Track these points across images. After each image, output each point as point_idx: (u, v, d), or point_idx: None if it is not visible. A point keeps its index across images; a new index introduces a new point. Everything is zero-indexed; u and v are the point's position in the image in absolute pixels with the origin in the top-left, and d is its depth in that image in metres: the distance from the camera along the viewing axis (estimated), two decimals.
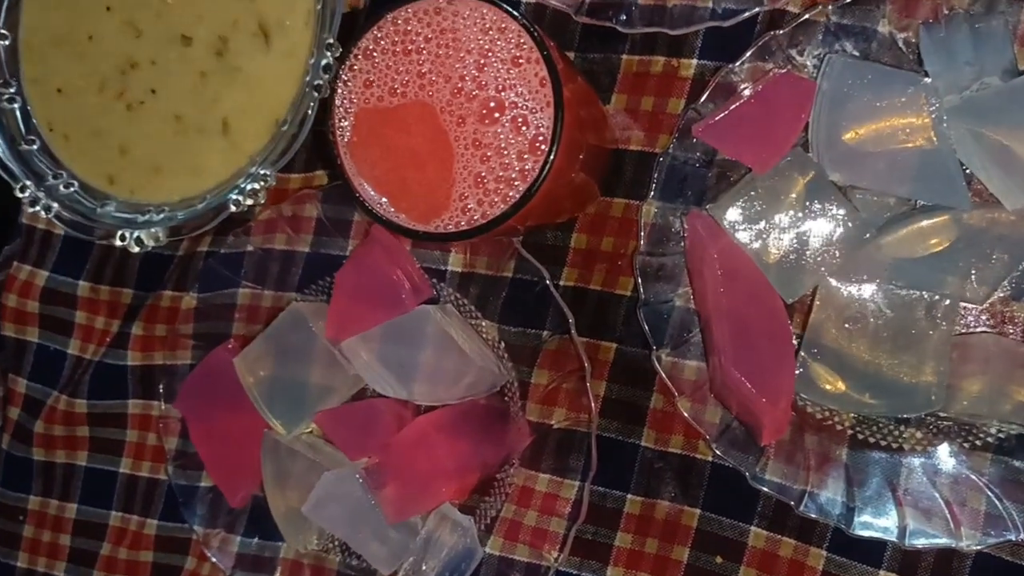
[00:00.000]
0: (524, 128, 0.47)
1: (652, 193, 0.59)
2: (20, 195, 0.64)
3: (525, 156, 0.47)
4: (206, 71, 0.63)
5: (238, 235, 0.67)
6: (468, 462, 0.63)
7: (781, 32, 0.57)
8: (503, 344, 0.64)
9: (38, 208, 0.64)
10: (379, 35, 0.49)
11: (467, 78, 0.47)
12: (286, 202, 0.66)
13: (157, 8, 0.64)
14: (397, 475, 0.63)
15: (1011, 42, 0.53)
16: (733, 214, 0.56)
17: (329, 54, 0.57)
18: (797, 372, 0.56)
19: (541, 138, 0.46)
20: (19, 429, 0.75)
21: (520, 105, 0.47)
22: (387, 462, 0.63)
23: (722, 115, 0.56)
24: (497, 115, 0.47)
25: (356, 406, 0.65)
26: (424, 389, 0.63)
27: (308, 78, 0.59)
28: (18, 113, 0.66)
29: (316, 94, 0.57)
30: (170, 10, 0.63)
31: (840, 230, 0.55)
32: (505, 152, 0.47)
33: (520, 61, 0.47)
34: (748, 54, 0.57)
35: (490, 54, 0.47)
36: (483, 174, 0.47)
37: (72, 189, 0.65)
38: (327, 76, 0.57)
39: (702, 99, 0.58)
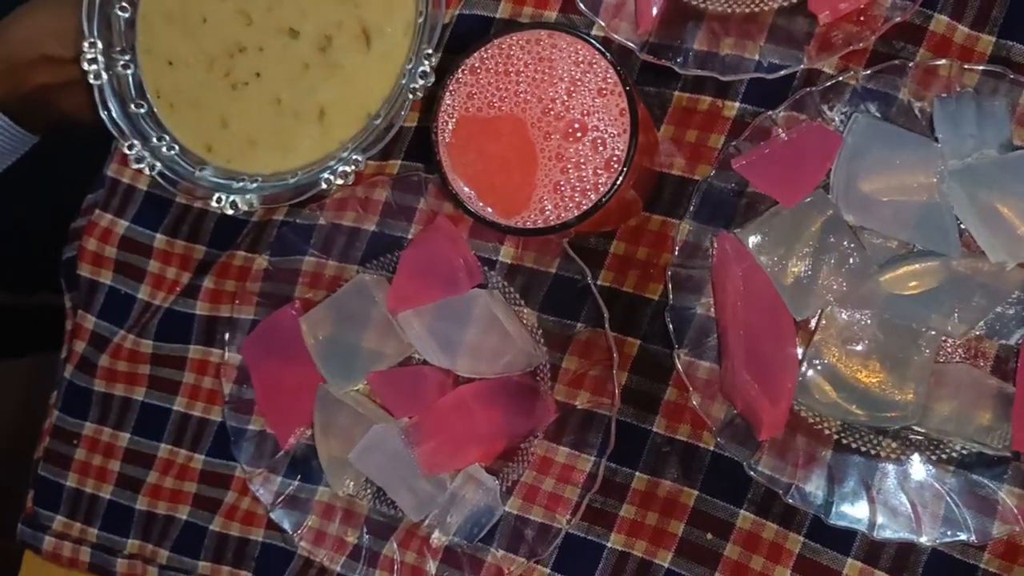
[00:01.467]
0: (602, 148, 0.56)
1: (689, 213, 0.68)
2: (127, 152, 0.72)
3: (600, 172, 0.56)
4: (309, 63, 0.71)
5: (312, 209, 0.76)
6: (498, 430, 0.71)
7: (815, 89, 0.66)
8: (541, 331, 0.72)
9: (143, 165, 0.72)
10: (485, 55, 0.57)
11: (557, 101, 0.56)
12: (360, 184, 0.75)
13: (269, 2, 0.72)
14: (434, 435, 0.71)
15: (1009, 121, 0.63)
16: (757, 239, 0.65)
17: (427, 62, 0.66)
18: (798, 380, 0.65)
19: (615, 159, 0.55)
20: (84, 362, 0.83)
21: (601, 129, 0.56)
22: (426, 423, 0.71)
23: (759, 154, 0.65)
24: (580, 135, 0.56)
25: (404, 371, 0.73)
26: (466, 362, 0.71)
27: (404, 81, 0.67)
28: (131, 79, 0.74)
29: (411, 96, 0.66)
30: (280, 5, 0.72)
31: (848, 263, 0.64)
32: (583, 167, 0.56)
33: (604, 92, 0.56)
34: (785, 104, 0.66)
35: (579, 83, 0.56)
36: (561, 183, 0.56)
37: (173, 152, 0.73)
38: (423, 82, 0.66)
39: (742, 137, 0.67)
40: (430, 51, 0.66)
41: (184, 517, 0.81)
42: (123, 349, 0.82)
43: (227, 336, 0.78)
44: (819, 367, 0.65)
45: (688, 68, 0.68)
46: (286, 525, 0.75)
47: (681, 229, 0.68)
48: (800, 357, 0.66)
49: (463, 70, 0.58)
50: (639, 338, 0.71)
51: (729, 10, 0.70)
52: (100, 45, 0.73)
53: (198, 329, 0.80)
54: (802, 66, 0.67)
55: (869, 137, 0.64)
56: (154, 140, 0.73)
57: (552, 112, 0.56)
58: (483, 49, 0.58)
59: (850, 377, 0.64)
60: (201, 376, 0.81)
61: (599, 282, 0.72)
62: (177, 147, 0.73)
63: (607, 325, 0.69)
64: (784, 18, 0.68)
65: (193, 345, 0.81)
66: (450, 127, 0.58)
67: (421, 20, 0.67)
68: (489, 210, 0.57)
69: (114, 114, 0.72)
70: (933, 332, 0.63)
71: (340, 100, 0.70)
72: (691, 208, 0.68)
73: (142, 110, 0.74)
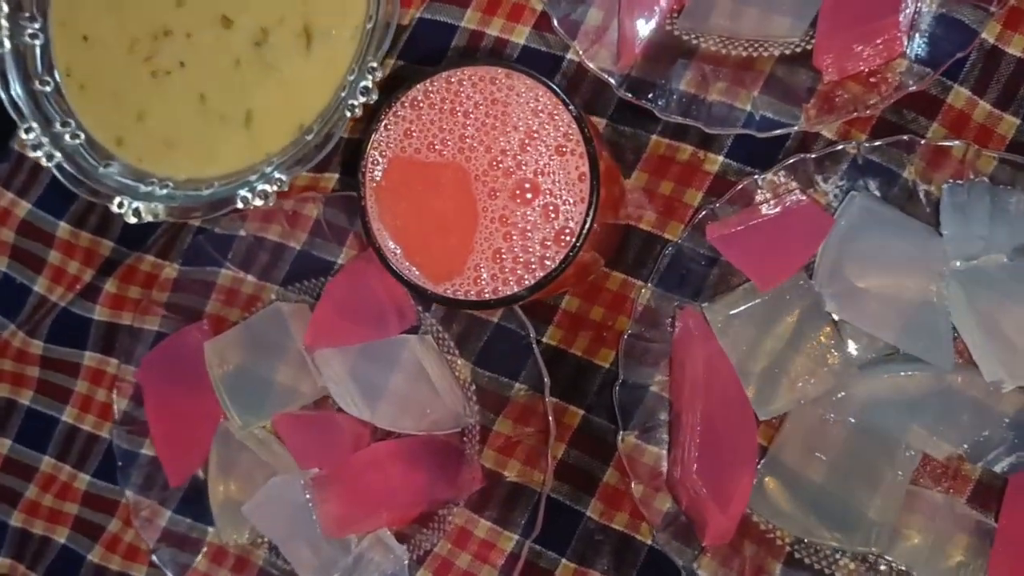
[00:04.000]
0: (554, 217, 0.47)
1: (653, 277, 0.60)
2: (24, 136, 0.63)
3: (548, 244, 0.47)
4: (241, 59, 0.62)
5: (233, 218, 0.67)
6: (416, 495, 0.63)
7: (810, 156, 0.58)
8: (474, 386, 0.64)
9: (40, 154, 0.63)
10: (430, 88, 0.49)
11: (508, 153, 0.48)
12: (289, 197, 0.66)
13: None
14: (343, 493, 0.63)
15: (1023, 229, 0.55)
16: (725, 320, 0.58)
17: (370, 76, 0.57)
18: (754, 484, 0.57)
19: (568, 231, 0.47)
20: None
21: (555, 194, 0.47)
22: (336, 478, 0.63)
23: (737, 225, 0.57)
24: (530, 196, 0.47)
25: (316, 416, 0.65)
26: (387, 414, 0.63)
27: (344, 94, 0.58)
28: (39, 51, 0.65)
29: (348, 113, 0.57)
30: None
31: (824, 361, 0.56)
32: (529, 235, 0.47)
33: (564, 151, 0.47)
34: (775, 169, 0.58)
35: (536, 136, 0.48)
36: (503, 251, 0.48)
37: (78, 141, 0.64)
38: (364, 99, 0.57)
39: (722, 199, 0.59)
40: (375, 64, 0.57)
41: (62, 540, 0.72)
42: (11, 347, 0.73)
43: (126, 348, 0.69)
44: (779, 472, 0.57)
45: (670, 113, 0.60)
46: (168, 569, 0.67)
47: (642, 294, 0.60)
48: (759, 458, 0.58)
49: (402, 102, 0.49)
50: (583, 408, 0.63)
51: (724, 51, 0.61)
52: (6, 8, 0.64)
53: (96, 335, 0.72)
54: (798, 127, 0.58)
55: (865, 220, 0.56)
56: (57, 125, 0.64)
57: (501, 166, 0.48)
58: (429, 80, 0.49)
59: (812, 486, 0.57)
60: (95, 387, 0.72)
61: (545, 339, 0.64)
62: (83, 136, 0.64)
63: (547, 392, 0.61)
64: (784, 68, 0.60)
65: (89, 352, 0.72)
66: (381, 167, 0.49)
67: (370, 26, 0.58)
68: (415, 271, 0.49)
69: (14, 90, 0.63)
70: (911, 452, 0.55)
71: (271, 107, 0.61)
72: (656, 272, 0.60)
73: (48, 88, 0.64)
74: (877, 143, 0.57)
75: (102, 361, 0.72)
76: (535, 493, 0.62)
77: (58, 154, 0.63)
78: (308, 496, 0.63)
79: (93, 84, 0.64)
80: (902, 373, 0.56)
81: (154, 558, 0.68)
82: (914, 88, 0.57)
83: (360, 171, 0.49)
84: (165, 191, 0.62)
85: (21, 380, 0.73)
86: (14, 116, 0.63)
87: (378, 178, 0.50)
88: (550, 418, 0.61)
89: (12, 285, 0.74)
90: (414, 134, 0.49)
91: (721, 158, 0.62)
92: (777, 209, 0.58)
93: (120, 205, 0.61)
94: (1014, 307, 0.54)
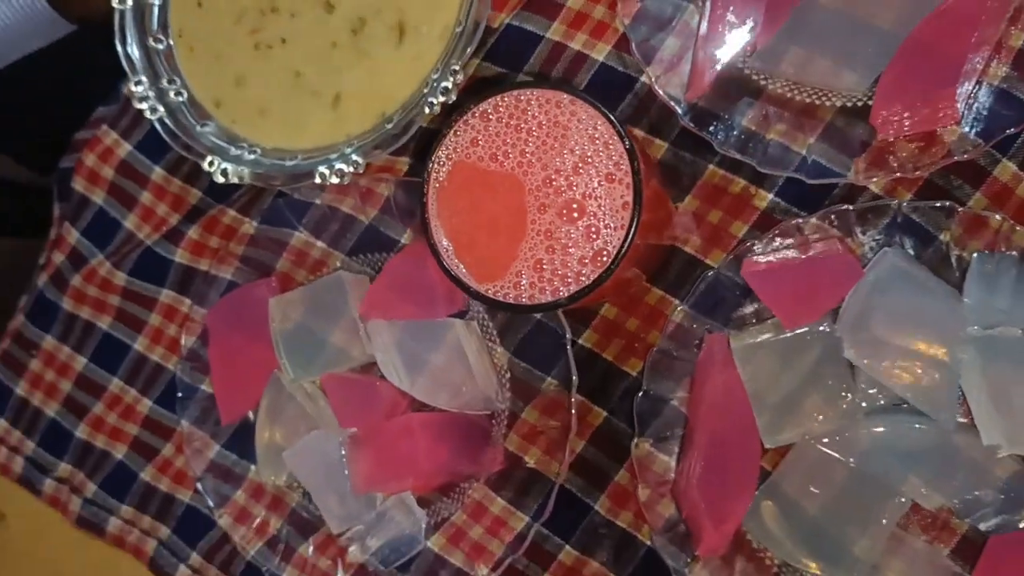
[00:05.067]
0: (595, 239, 0.51)
1: (688, 300, 0.64)
2: (133, 88, 0.68)
3: (586, 262, 0.51)
4: (338, 42, 0.67)
5: (312, 186, 0.72)
6: (440, 467, 0.68)
7: (853, 208, 0.61)
8: (509, 374, 0.69)
9: (145, 107, 0.68)
10: (500, 104, 0.53)
11: (562, 173, 0.52)
12: (365, 175, 0.71)
13: None
14: (375, 454, 0.68)
15: None
16: (748, 350, 0.61)
17: (451, 78, 0.61)
18: (751, 505, 0.61)
19: (606, 254, 0.51)
20: (57, 275, 0.81)
21: (598, 217, 0.51)
22: (370, 439, 0.69)
23: (771, 265, 0.60)
24: (576, 216, 0.52)
25: (361, 380, 0.70)
26: (425, 388, 0.68)
27: (426, 90, 0.63)
28: (156, 11, 0.70)
29: (427, 110, 0.62)
30: None
31: (836, 402, 0.59)
32: (571, 252, 0.52)
33: (613, 179, 0.51)
34: (818, 214, 0.61)
35: (589, 161, 0.51)
36: (544, 262, 0.52)
37: (181, 99, 0.69)
38: (443, 98, 0.61)
39: (765, 236, 0.62)
40: (457, 67, 0.61)
41: (119, 456, 0.79)
42: (97, 274, 0.80)
43: (200, 291, 0.75)
44: (776, 499, 0.61)
45: (728, 148, 0.63)
46: (210, 498, 0.73)
47: (676, 313, 0.64)
48: (761, 482, 0.61)
49: (474, 113, 0.53)
50: (607, 410, 0.67)
51: (789, 95, 0.64)
52: None
53: (174, 275, 0.78)
54: (845, 179, 0.61)
55: (893, 276, 0.59)
56: (164, 82, 0.69)
57: (553, 184, 0.52)
58: (499, 96, 0.53)
59: (805, 519, 0.60)
60: (168, 322, 0.78)
61: (581, 340, 0.68)
62: (185, 95, 0.69)
63: (573, 390, 0.65)
64: (843, 120, 0.63)
65: (166, 289, 0.78)
66: (446, 169, 0.54)
67: (459, 30, 0.63)
68: (462, 268, 0.53)
69: (130, 45, 0.69)
70: (903, 500, 0.59)
71: (359, 91, 0.66)
72: (692, 294, 0.64)
73: (160, 45, 0.70)
74: (918, 204, 0.60)
75: (177, 300, 0.78)
76: (550, 482, 0.66)
77: (161, 108, 0.68)
78: (343, 452, 0.68)
79: (201, 47, 0.70)
80: (907, 424, 0.59)
81: (199, 485, 0.74)
82: (963, 157, 0.59)
83: (426, 169, 0.54)
84: (253, 156, 0.67)
85: (103, 306, 0.80)
86: (127, 69, 0.69)
87: (442, 178, 0.54)
88: (573, 414, 0.65)
89: (105, 218, 0.80)
90: (480, 143, 0.53)
91: (771, 196, 0.65)
92: (812, 253, 0.61)
93: (211, 164, 0.66)
94: (1019, 379, 0.56)
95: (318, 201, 0.72)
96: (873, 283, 0.59)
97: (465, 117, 0.54)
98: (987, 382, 0.57)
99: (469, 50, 0.62)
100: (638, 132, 0.68)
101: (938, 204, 0.60)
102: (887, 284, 0.59)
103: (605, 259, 0.51)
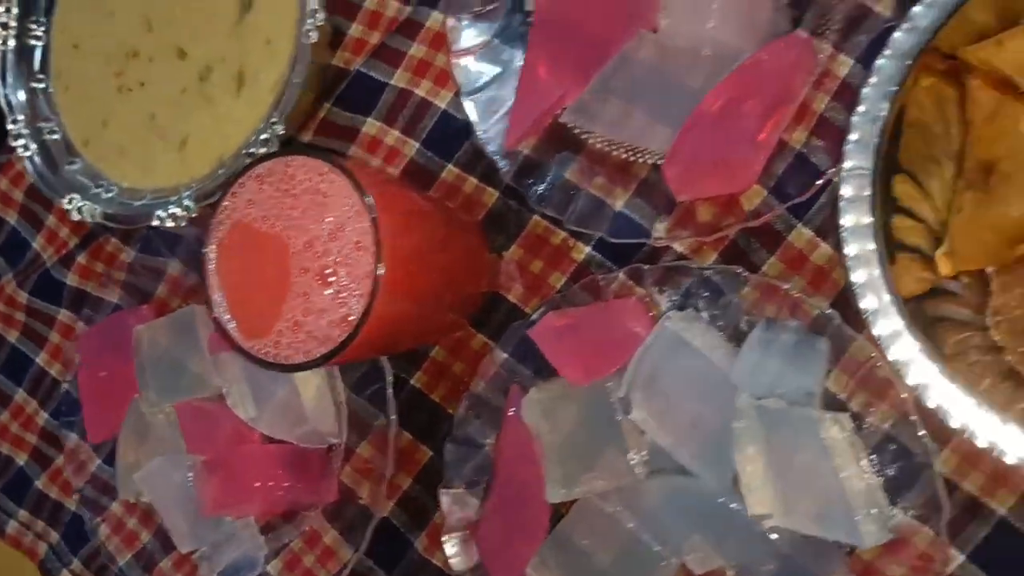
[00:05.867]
0: (342, 305, 0.53)
1: (503, 346, 0.65)
2: (9, 127, 0.73)
3: (334, 326, 0.53)
4: (187, 88, 0.70)
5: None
6: (281, 495, 0.71)
7: (650, 267, 0.61)
8: (347, 409, 0.71)
9: (19, 144, 0.73)
10: (272, 168, 0.55)
11: (321, 239, 0.54)
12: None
13: (171, 15, 0.71)
14: (221, 480, 0.72)
15: (823, 370, 0.57)
16: (539, 404, 0.62)
17: (270, 132, 0.64)
18: (535, 556, 0.62)
19: (352, 318, 0.53)
20: None
21: (346, 284, 0.53)
22: (217, 466, 0.72)
23: (565, 321, 0.61)
24: (331, 280, 0.54)
25: (211, 408, 0.73)
26: (268, 421, 0.71)
27: (254, 139, 0.66)
28: (39, 52, 0.75)
29: (247, 161, 0.64)
30: (179, 21, 0.70)
31: (619, 461, 0.60)
32: (324, 314, 0.54)
33: (361, 247, 0.53)
34: (617, 271, 0.62)
35: (344, 229, 0.54)
36: (301, 323, 0.54)
37: (54, 137, 0.74)
38: (263, 149, 0.64)
39: (565, 293, 0.63)
40: (275, 120, 0.64)
41: (21, 463, 0.85)
42: (4, 292, 0.85)
43: (89, 313, 0.80)
44: (559, 552, 0.62)
45: (543, 206, 0.64)
46: (88, 508, 0.78)
47: (485, 360, 0.66)
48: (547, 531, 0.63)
49: (250, 175, 0.56)
50: (432, 449, 0.69)
51: (607, 149, 0.65)
52: (16, 11, 0.74)
53: (68, 296, 0.83)
54: (649, 240, 0.62)
55: (674, 342, 0.59)
56: (41, 121, 0.73)
57: (313, 249, 0.54)
58: (272, 161, 0.56)
59: (589, 573, 0.61)
60: (65, 340, 0.83)
61: (413, 381, 0.70)
62: (59, 134, 0.73)
63: (391, 429, 0.67)
64: (657, 177, 0.63)
65: (63, 309, 0.83)
66: (226, 227, 0.57)
67: (285, 80, 0.65)
68: (232, 323, 0.56)
69: (10, 87, 0.73)
70: (674, 561, 0.59)
71: (203, 136, 0.69)
72: (507, 344, 0.65)
73: (41, 86, 0.74)
74: (710, 268, 0.60)
75: (72, 319, 0.83)
76: (372, 517, 0.69)
77: (34, 146, 0.73)
78: (191, 475, 0.72)
79: (75, 88, 0.74)
80: (686, 487, 0.59)
81: (79, 496, 0.78)
82: (755, 223, 0.59)
83: (209, 226, 0.57)
84: (110, 195, 0.71)
85: (10, 321, 0.85)
86: (5, 108, 0.73)
87: (222, 235, 0.57)
88: (390, 453, 0.67)
89: (18, 238, 0.86)
90: (255, 204, 0.56)
91: (587, 249, 0.66)
92: (606, 311, 0.62)
93: (70, 202, 0.70)
94: (787, 450, 0.56)
95: (189, 232, 0.76)
96: (653, 348, 0.60)
97: (242, 179, 0.56)
98: (757, 452, 0.57)
99: (290, 103, 0.64)
100: (472, 180, 0.69)
101: (726, 268, 0.60)
102: (667, 349, 0.59)
103: (347, 327, 0.53)
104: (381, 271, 0.52)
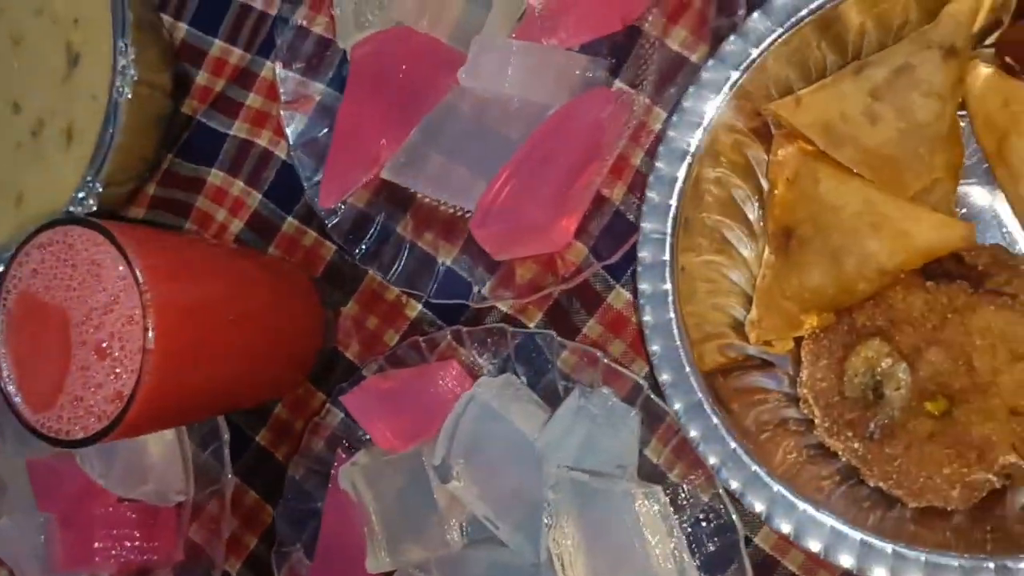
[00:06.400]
0: (116, 380, 0.52)
1: (337, 406, 0.63)
2: None
3: (109, 402, 0.52)
4: (21, 143, 0.68)
5: None
6: (130, 554, 0.70)
7: (471, 329, 0.59)
8: (193, 466, 0.70)
9: None
10: (53, 238, 0.54)
11: (98, 311, 0.52)
12: None
13: (7, 67, 0.69)
14: (70, 538, 0.71)
15: (631, 447, 0.55)
16: (356, 473, 0.60)
17: (86, 190, 0.63)
18: None
19: (125, 393, 0.52)
20: None
21: (119, 358, 0.52)
22: (67, 524, 0.71)
23: (374, 389, 0.59)
24: (108, 353, 0.52)
25: (61, 465, 0.72)
26: (115, 480, 0.70)
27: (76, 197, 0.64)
28: None
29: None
30: (17, 74, 0.69)
31: (434, 531, 0.58)
32: (102, 388, 0.52)
33: (133, 321, 0.52)
34: (443, 332, 0.60)
35: (118, 301, 0.52)
36: (81, 397, 0.53)
37: None
38: (80, 209, 0.63)
39: (387, 354, 0.61)
40: (90, 179, 0.63)
41: None
42: None
43: None
44: None
45: (369, 262, 0.62)
46: None
47: (316, 421, 0.64)
48: None
49: (33, 244, 0.55)
50: (275, 507, 0.68)
51: (436, 204, 0.63)
52: None
53: None
54: (470, 300, 0.60)
55: (480, 416, 0.57)
56: None
57: (91, 321, 0.53)
58: (52, 231, 0.54)
59: None
60: None
61: (259, 438, 0.69)
62: None
63: (227, 488, 0.66)
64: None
65: None
66: (12, 296, 0.55)
67: (95, 144, 0.64)
68: (18, 396, 0.55)
69: None
70: None
71: (37, 192, 0.68)
72: (329, 407, 0.64)
73: None
74: (522, 332, 0.58)
75: None
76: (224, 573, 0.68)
77: None
78: (42, 532, 0.71)
79: None
80: (501, 558, 0.57)
81: None
82: (567, 285, 0.57)
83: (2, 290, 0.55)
84: None
85: None
86: None
87: (10, 305, 0.55)
88: (226, 511, 0.66)
89: None
90: (39, 274, 0.55)
91: (419, 307, 0.64)
92: (425, 375, 0.60)
93: None
94: (600, 525, 0.54)
95: None
96: (465, 416, 0.57)
97: (27, 248, 0.55)
98: (570, 526, 0.55)
99: (107, 161, 0.63)
100: (311, 233, 0.67)
101: (537, 332, 0.58)
102: (481, 418, 0.57)
103: (119, 402, 0.51)
104: (151, 346, 0.51)
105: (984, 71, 0.48)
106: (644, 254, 0.52)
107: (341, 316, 0.66)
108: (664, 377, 0.51)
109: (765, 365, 0.54)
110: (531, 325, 0.60)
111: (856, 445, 0.50)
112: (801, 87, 0.51)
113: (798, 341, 0.53)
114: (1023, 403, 0.46)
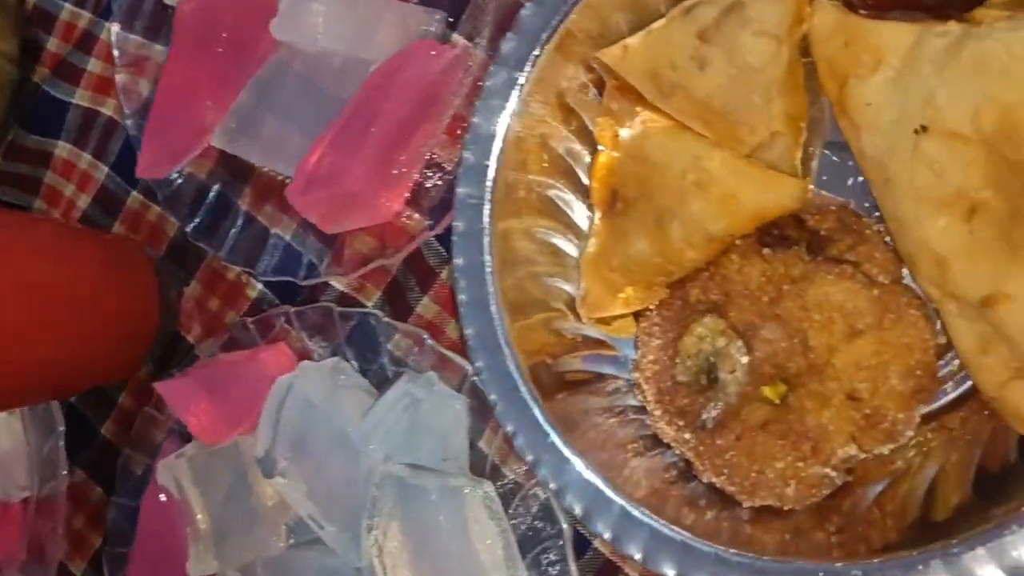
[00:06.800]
0: None
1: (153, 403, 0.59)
2: None
3: None
4: None
5: None
6: None
7: (294, 310, 0.54)
8: (37, 460, 0.65)
9: None
10: None
11: None
12: None
13: None
14: None
15: (459, 438, 0.50)
16: (188, 466, 0.55)
17: None
18: None
19: None
20: None
21: None
22: None
23: (196, 374, 0.54)
24: None
25: None
26: None
27: None
28: None
29: None
30: None
31: (261, 528, 0.53)
32: None
33: None
34: (260, 317, 0.55)
35: None
36: None
37: None
38: None
39: (215, 339, 0.56)
40: None
41: None
42: None
43: None
44: None
45: (199, 235, 0.57)
46: None
47: (145, 414, 0.59)
48: None
49: None
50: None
51: (279, 176, 0.58)
52: None
53: None
54: (298, 279, 0.54)
55: (303, 404, 0.52)
56: None
57: None
58: None
59: None
60: None
61: (103, 431, 0.64)
62: None
63: (62, 487, 0.61)
64: None
65: None
66: None
67: None
68: None
69: None
70: None
71: None
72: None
73: None
74: (345, 310, 0.53)
75: None
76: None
77: None
78: None
79: None
80: (331, 561, 0.52)
81: None
82: (391, 260, 0.52)
83: None
84: None
85: None
86: None
87: None
88: (61, 507, 0.61)
89: None
90: None
91: (259, 286, 0.59)
92: (252, 360, 0.54)
93: None
94: (425, 522, 0.49)
95: None
96: (282, 407, 0.52)
97: None
98: (393, 523, 0.49)
99: None
100: (155, 208, 0.62)
101: (375, 314, 0.52)
102: (300, 408, 0.52)
103: None
104: None
105: (825, 6, 0.42)
106: (459, 223, 0.46)
107: (184, 297, 0.61)
108: (479, 363, 0.45)
109: (604, 347, 0.48)
110: (369, 305, 0.55)
111: (688, 436, 0.44)
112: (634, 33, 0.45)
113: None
114: (861, 387, 0.40)
